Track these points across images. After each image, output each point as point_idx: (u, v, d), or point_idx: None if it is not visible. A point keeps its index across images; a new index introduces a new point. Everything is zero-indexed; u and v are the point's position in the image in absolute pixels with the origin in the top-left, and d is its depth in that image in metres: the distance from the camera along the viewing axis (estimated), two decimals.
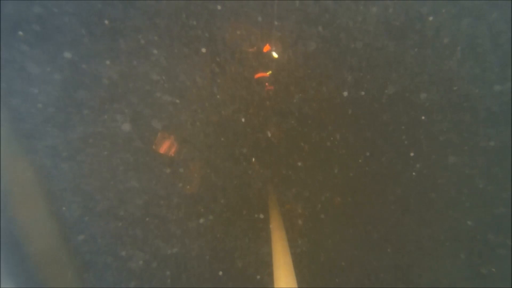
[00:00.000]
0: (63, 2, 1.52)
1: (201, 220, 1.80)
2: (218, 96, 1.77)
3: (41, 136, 1.56)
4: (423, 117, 1.77)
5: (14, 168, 1.47)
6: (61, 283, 1.47)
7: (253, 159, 1.81)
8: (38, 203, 1.51)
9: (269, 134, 1.86)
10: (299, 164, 1.88)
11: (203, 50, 1.71)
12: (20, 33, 1.45)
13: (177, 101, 1.73)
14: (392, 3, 1.68)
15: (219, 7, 1.66)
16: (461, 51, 1.67)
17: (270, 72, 1.82)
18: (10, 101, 1.51)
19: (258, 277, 1.81)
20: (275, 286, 1.12)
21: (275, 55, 1.80)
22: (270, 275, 1.21)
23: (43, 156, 1.56)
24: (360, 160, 1.85)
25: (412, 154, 1.82)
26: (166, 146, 1.74)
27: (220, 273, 1.82)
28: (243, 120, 1.81)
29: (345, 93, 1.79)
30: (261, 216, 1.83)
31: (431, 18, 1.66)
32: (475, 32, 1.64)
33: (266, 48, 1.80)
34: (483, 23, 1.62)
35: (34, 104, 1.55)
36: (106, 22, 1.60)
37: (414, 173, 1.84)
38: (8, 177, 1.42)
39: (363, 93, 1.78)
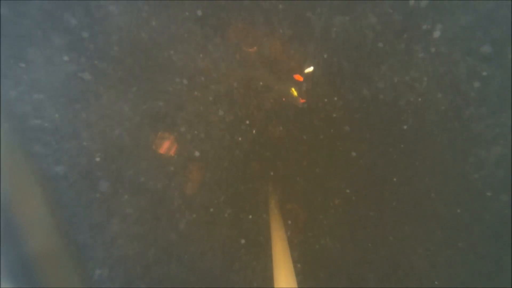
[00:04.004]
0: None
1: (200, 220, 1.80)
2: (218, 98, 1.77)
3: (42, 136, 1.56)
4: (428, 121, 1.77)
5: (14, 168, 1.47)
6: (61, 283, 1.47)
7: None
8: (38, 203, 1.51)
9: (270, 134, 1.86)
10: (301, 164, 1.88)
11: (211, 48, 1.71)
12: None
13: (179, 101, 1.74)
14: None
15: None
16: None
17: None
18: (10, 101, 1.51)
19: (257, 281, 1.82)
20: (275, 286, 1.12)
21: (309, 69, 1.75)
22: (270, 275, 1.21)
23: (44, 156, 1.56)
24: (363, 162, 1.85)
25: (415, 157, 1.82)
26: (166, 146, 1.73)
27: (220, 272, 1.82)
28: (242, 119, 1.80)
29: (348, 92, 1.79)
30: (261, 216, 1.83)
31: None
32: None
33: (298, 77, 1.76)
34: None
35: (35, 104, 1.54)
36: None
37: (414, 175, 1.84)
38: (8, 177, 1.42)
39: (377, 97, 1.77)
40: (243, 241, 1.81)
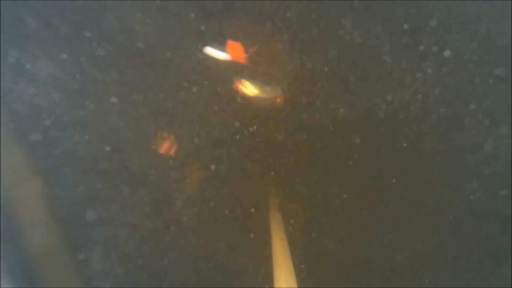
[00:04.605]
0: None
1: (200, 220, 1.80)
2: (218, 98, 1.78)
3: (42, 136, 1.57)
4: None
5: (14, 168, 1.47)
6: (61, 283, 1.47)
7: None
8: (38, 203, 1.51)
9: (271, 134, 1.86)
10: (302, 164, 1.88)
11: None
12: None
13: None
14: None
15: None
16: None
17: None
18: (11, 100, 1.51)
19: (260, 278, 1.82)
20: (275, 286, 1.13)
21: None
22: (270, 275, 1.21)
23: (44, 156, 1.56)
24: (364, 161, 1.86)
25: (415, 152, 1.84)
26: (166, 146, 1.74)
27: (219, 272, 1.82)
28: (243, 119, 1.81)
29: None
30: (261, 216, 1.83)
31: None
32: None
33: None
34: None
35: (35, 104, 1.55)
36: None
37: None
38: (8, 177, 1.42)
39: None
40: (243, 241, 1.81)
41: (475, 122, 1.74)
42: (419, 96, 1.74)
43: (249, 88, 1.67)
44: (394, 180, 1.86)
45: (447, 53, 1.68)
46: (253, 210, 1.84)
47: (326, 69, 1.76)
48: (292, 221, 1.87)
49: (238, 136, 1.80)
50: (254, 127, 1.79)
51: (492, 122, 1.73)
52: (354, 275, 1.90)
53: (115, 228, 1.67)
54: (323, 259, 1.89)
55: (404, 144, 1.80)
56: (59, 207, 1.55)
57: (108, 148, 1.65)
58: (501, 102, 1.71)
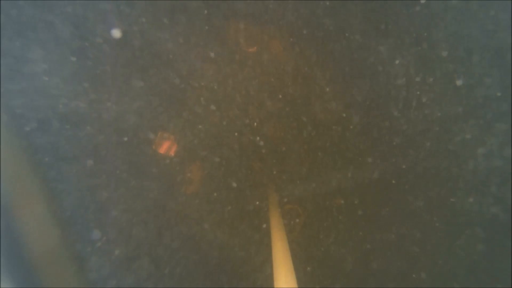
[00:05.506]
0: None
1: (200, 220, 1.80)
2: (219, 98, 1.78)
3: (43, 136, 1.57)
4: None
5: (14, 168, 1.47)
6: (61, 283, 1.46)
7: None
8: (38, 203, 1.51)
9: (271, 135, 1.86)
10: (303, 164, 1.89)
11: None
12: None
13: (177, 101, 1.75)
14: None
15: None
16: None
17: None
18: (11, 99, 1.52)
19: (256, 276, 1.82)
20: (275, 286, 1.12)
21: None
22: (270, 275, 1.21)
23: (44, 156, 1.56)
24: (365, 160, 1.86)
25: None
26: (166, 146, 1.74)
27: (220, 273, 1.82)
28: (243, 119, 1.81)
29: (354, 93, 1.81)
30: (261, 216, 1.83)
31: None
32: None
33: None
34: None
35: (35, 103, 1.55)
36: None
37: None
38: (8, 177, 1.42)
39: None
40: (243, 240, 1.81)
41: (477, 133, 1.76)
42: (422, 114, 1.77)
43: None
44: (393, 181, 1.87)
45: (459, 82, 1.71)
46: (253, 210, 1.84)
47: (327, 83, 1.78)
48: (297, 220, 1.88)
49: (236, 134, 1.80)
50: (255, 124, 1.79)
51: (492, 133, 1.75)
52: (354, 275, 1.90)
53: (116, 222, 1.67)
54: (324, 259, 1.89)
55: (404, 166, 1.82)
56: (59, 206, 1.55)
57: (111, 143, 1.65)
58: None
